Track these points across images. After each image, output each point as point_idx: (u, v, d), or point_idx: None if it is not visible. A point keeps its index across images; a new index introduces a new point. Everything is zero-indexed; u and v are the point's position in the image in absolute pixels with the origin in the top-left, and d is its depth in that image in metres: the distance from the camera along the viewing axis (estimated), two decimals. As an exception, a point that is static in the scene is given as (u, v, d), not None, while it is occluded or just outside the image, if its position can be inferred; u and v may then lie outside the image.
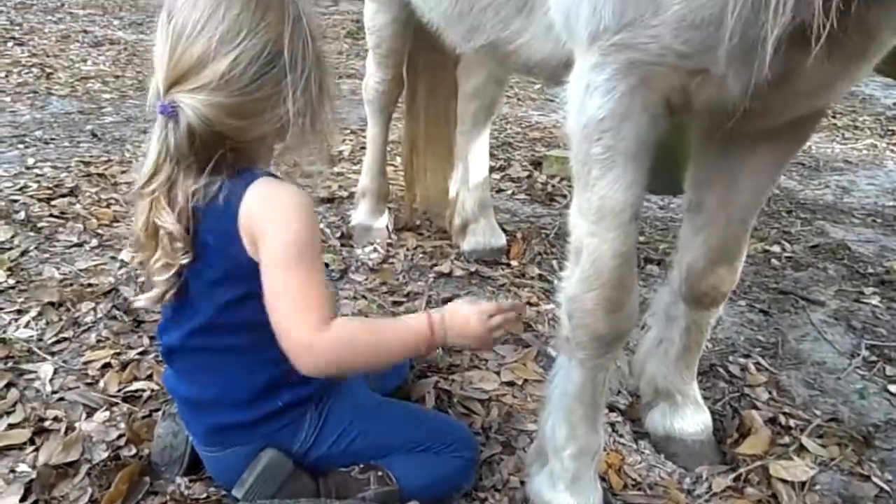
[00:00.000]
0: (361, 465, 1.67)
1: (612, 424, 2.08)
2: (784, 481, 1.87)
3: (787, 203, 3.94)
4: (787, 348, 2.51)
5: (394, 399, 1.92)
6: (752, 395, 2.24)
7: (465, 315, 1.57)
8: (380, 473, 1.66)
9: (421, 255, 3.10)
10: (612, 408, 2.15)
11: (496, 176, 4.18)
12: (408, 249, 3.14)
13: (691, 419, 2.01)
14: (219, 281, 1.55)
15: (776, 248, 3.29)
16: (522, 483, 1.83)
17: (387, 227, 3.24)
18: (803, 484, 1.87)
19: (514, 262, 3.02)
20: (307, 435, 1.68)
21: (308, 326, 1.46)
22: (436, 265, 3.00)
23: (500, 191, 3.98)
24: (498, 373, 2.28)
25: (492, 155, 4.35)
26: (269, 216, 1.48)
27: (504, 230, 3.24)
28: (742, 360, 2.41)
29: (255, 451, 1.65)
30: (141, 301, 1.65)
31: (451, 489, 1.73)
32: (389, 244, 3.17)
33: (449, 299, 2.70)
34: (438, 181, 3.21)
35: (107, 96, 5.95)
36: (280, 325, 1.48)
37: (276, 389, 1.63)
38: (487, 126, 3.05)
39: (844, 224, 3.67)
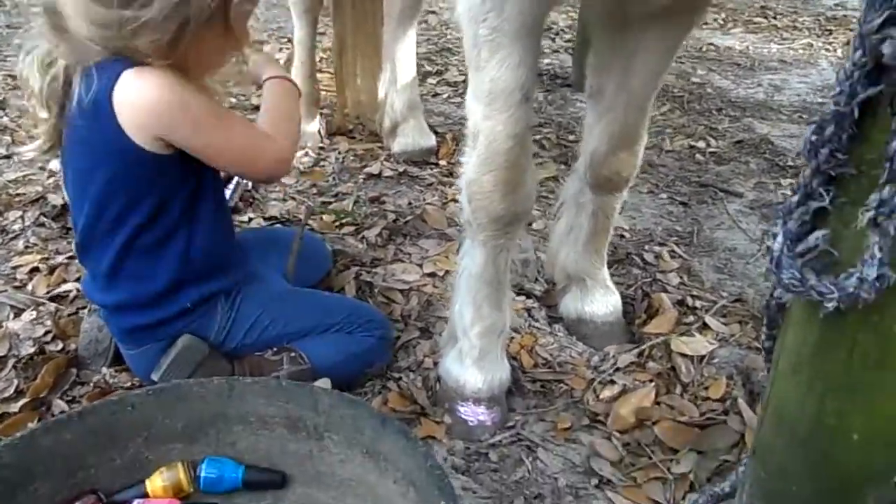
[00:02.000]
0: (275, 348, 1.75)
1: (529, 310, 2.19)
2: (684, 355, 1.99)
3: (718, 101, 4.01)
4: (701, 237, 2.61)
5: (307, 289, 1.99)
6: (663, 280, 2.34)
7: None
8: (292, 354, 1.75)
9: (352, 158, 3.13)
10: (528, 294, 2.26)
11: (433, 80, 4.19)
12: (339, 153, 3.18)
13: (601, 302, 2.10)
14: (99, 175, 1.60)
15: (701, 144, 3.38)
16: (436, 364, 1.93)
17: (319, 131, 3.26)
18: (702, 357, 1.99)
19: (442, 162, 3.08)
20: (220, 327, 1.75)
21: (274, 152, 1.67)
22: (366, 167, 3.04)
23: (436, 95, 4.00)
24: (420, 265, 2.36)
25: (430, 60, 4.37)
26: (154, 99, 1.50)
27: (436, 132, 3.28)
28: (657, 249, 2.51)
29: (169, 346, 1.73)
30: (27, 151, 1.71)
31: (363, 365, 1.82)
32: (321, 148, 3.20)
33: (376, 198, 2.76)
34: (368, 84, 3.22)
35: (35, 10, 5.75)
36: (244, 167, 1.70)
37: (182, 288, 1.69)
38: (413, 26, 3.04)
39: (771, 121, 3.76)
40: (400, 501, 1.39)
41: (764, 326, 1.37)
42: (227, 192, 2.03)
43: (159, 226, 1.61)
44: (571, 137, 3.35)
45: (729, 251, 2.53)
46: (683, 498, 1.62)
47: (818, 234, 1.03)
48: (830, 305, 1.02)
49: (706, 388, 1.90)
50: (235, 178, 2.00)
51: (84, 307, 2.12)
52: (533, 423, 1.82)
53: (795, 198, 1.07)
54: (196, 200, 1.65)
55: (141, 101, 1.49)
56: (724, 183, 3.00)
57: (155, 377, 1.67)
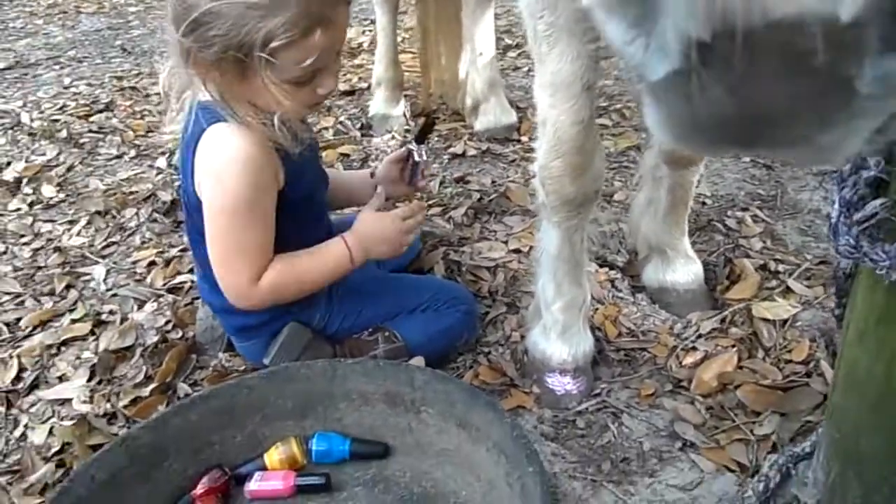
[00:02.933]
0: (370, 329, 1.89)
1: (612, 281, 2.26)
2: (766, 320, 2.03)
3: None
4: (785, 199, 2.61)
5: (396, 273, 2.13)
6: (746, 246, 2.36)
7: (379, 220, 1.76)
8: (386, 333, 1.89)
9: (437, 139, 3.24)
10: (611, 265, 2.32)
11: (513, 54, 4.25)
12: (424, 134, 3.29)
13: (683, 270, 2.15)
14: (195, 213, 1.75)
15: (786, 103, 3.32)
16: (523, 337, 2.03)
17: (404, 114, 3.38)
18: (784, 321, 2.03)
19: (524, 138, 3.15)
20: (321, 315, 1.90)
21: (236, 284, 1.70)
22: (450, 146, 3.14)
23: (516, 69, 4.05)
24: (505, 242, 2.46)
25: (510, 32, 4.41)
26: (207, 168, 1.62)
27: (517, 108, 3.36)
28: (740, 214, 2.52)
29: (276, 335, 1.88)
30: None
31: (452, 340, 1.94)
32: (407, 130, 3.31)
33: (461, 178, 2.87)
34: (451, 65, 3.30)
35: (133, 9, 6.08)
36: (215, 268, 1.71)
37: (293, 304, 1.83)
38: (491, 6, 3.10)
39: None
40: (493, 468, 1.52)
41: (834, 295, 1.42)
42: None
43: None
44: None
45: (813, 213, 2.52)
46: (766, 458, 1.67)
47: (875, 202, 1.08)
48: (883, 272, 1.07)
49: (789, 352, 1.94)
50: (416, 158, 2.07)
51: (198, 297, 2.31)
52: (618, 390, 1.90)
53: (848, 166, 1.13)
54: (285, 215, 1.73)
55: (202, 161, 1.63)
56: (809, 142, 2.96)
57: (266, 361, 1.83)
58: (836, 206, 1.15)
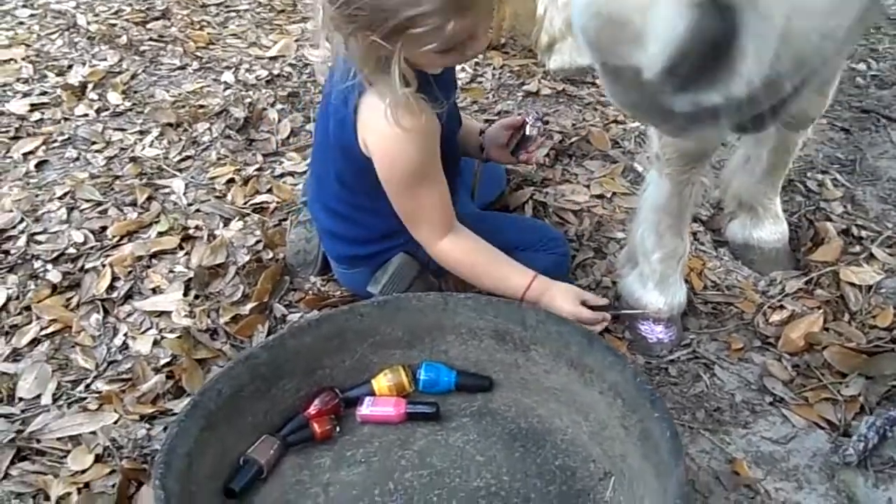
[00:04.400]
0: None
1: (695, 234, 2.29)
2: (852, 284, 2.07)
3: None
4: (864, 165, 2.63)
5: (493, 211, 2.16)
6: (827, 209, 2.39)
7: (573, 300, 1.74)
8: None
9: (508, 74, 3.22)
10: (694, 218, 2.33)
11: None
12: (494, 68, 3.27)
13: (770, 229, 2.18)
14: (338, 153, 1.79)
15: (862, 66, 3.31)
16: (613, 283, 2.08)
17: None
18: (870, 287, 2.07)
19: (600, 81, 3.13)
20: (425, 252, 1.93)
21: (424, 237, 1.77)
22: (523, 84, 3.13)
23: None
24: (588, 186, 2.48)
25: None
26: (375, 148, 1.67)
27: (589, 49, 3.32)
28: (820, 177, 2.54)
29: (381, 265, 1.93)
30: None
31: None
32: (476, 63, 3.29)
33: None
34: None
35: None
36: (407, 226, 1.77)
37: (395, 235, 1.86)
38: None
39: (935, 38, 3.64)
40: (605, 409, 1.57)
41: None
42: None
43: (383, 197, 1.76)
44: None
45: (893, 181, 2.54)
46: (854, 418, 1.74)
47: None
48: None
49: (874, 317, 1.99)
50: (528, 132, 2.05)
51: (284, 219, 2.35)
52: (706, 342, 1.95)
53: None
54: None
55: (372, 137, 1.66)
56: (886, 109, 2.96)
57: (373, 290, 1.87)
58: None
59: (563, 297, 1.75)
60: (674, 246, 1.90)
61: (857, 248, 2.23)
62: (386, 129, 1.59)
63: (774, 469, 1.63)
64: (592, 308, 1.76)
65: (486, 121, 2.83)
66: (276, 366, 1.64)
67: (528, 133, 2.03)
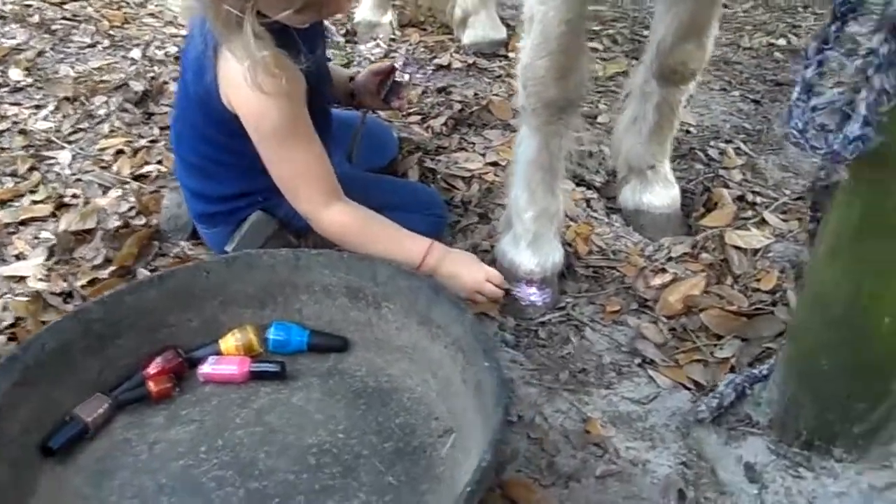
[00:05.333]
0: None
1: (587, 200, 2.25)
2: (737, 248, 2.03)
3: (806, -3, 3.88)
4: (770, 135, 2.60)
5: (370, 173, 2.10)
6: (726, 177, 2.36)
7: (473, 265, 1.69)
8: (355, 231, 1.86)
9: (422, 49, 3.18)
10: (588, 185, 2.32)
11: (508, -28, 4.15)
12: (410, 44, 3.23)
13: (660, 193, 2.15)
14: (196, 107, 1.73)
15: (781, 42, 3.29)
16: (493, 247, 2.02)
17: (390, 22, 3.30)
18: (756, 251, 2.03)
19: (512, 55, 3.09)
20: (288, 208, 1.85)
21: (306, 207, 1.69)
22: (435, 58, 3.09)
23: (510, -13, 3.96)
24: (483, 154, 2.44)
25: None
26: (238, 106, 1.62)
27: (508, 25, 3.29)
28: (723, 146, 2.51)
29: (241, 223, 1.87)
30: None
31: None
32: (392, 39, 3.25)
33: (444, 88, 2.82)
34: (442, -25, 3.23)
35: None
36: (286, 195, 1.70)
37: (255, 192, 1.81)
38: (486, -86, 3.03)
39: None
40: (449, 364, 1.52)
41: (808, 209, 1.42)
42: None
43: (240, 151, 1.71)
44: (645, 33, 3.30)
45: (797, 150, 2.50)
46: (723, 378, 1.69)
47: (835, 91, 1.07)
48: (820, 159, 1.08)
49: (757, 280, 1.95)
50: (398, 77, 2.04)
51: (164, 186, 2.28)
52: (583, 305, 1.91)
53: (814, 45, 1.11)
54: None
55: (234, 95, 1.61)
56: (800, 81, 2.94)
57: (228, 249, 1.81)
58: (797, 88, 1.14)
59: (468, 269, 1.70)
60: (546, 203, 1.86)
61: (750, 214, 2.19)
62: (247, 90, 1.54)
63: (629, 428, 1.58)
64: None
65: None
66: (112, 322, 1.58)
67: (398, 79, 1.98)
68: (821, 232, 1.36)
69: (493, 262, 1.97)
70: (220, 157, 1.79)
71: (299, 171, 1.67)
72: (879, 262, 1.25)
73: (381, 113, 2.49)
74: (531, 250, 1.87)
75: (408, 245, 1.70)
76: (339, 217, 1.69)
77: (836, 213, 1.30)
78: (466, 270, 1.67)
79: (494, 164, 2.39)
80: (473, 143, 2.49)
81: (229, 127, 1.67)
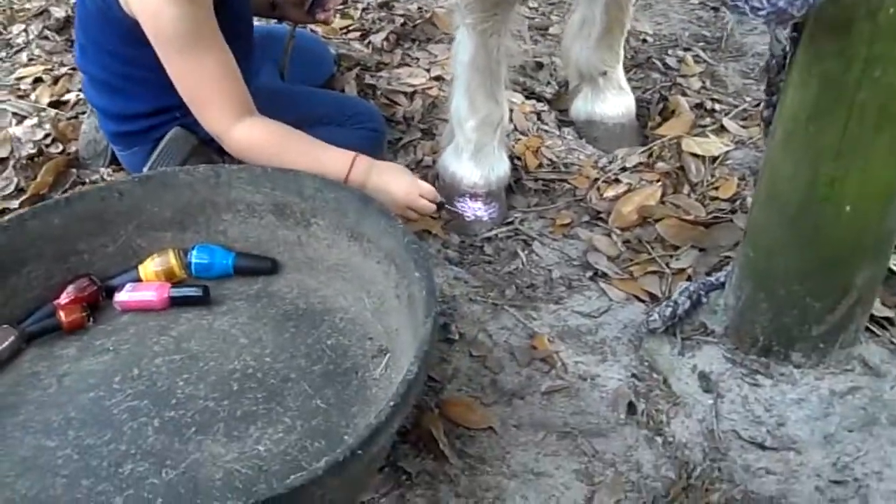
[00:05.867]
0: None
1: (538, 113, 2.15)
2: (695, 155, 1.94)
3: None
4: (731, 42, 2.50)
5: (302, 86, 1.97)
6: (684, 85, 2.27)
7: (402, 175, 1.56)
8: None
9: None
10: (539, 97, 2.22)
11: None
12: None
13: (613, 102, 2.05)
14: (98, 18, 1.60)
15: (743, -52, 3.17)
16: (435, 162, 1.92)
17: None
18: (714, 158, 1.94)
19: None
20: None
21: (213, 123, 1.54)
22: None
23: None
24: (428, 69, 2.32)
25: None
26: (136, 9, 1.48)
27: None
28: (681, 53, 2.41)
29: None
30: None
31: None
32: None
33: (385, 3, 2.67)
34: None
35: None
36: (196, 115, 1.56)
37: (177, 108, 1.66)
38: None
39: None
40: (382, 280, 1.42)
41: (763, 93, 1.32)
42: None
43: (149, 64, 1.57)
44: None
45: (759, 56, 2.41)
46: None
47: None
48: (762, 19, 0.97)
49: (716, 188, 1.87)
50: None
51: (84, 112, 2.13)
52: (532, 220, 1.82)
53: None
54: None
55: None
56: (761, -13, 2.83)
57: (144, 168, 1.68)
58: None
59: (398, 183, 1.57)
60: (488, 111, 1.75)
61: (708, 121, 2.10)
62: None
63: (579, 342, 1.50)
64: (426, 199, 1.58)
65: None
66: (15, 250, 1.45)
67: None
68: (776, 118, 1.26)
69: (435, 178, 1.88)
70: (129, 71, 1.65)
71: (204, 84, 1.52)
72: (838, 144, 1.15)
73: (318, 28, 2.35)
74: (474, 162, 1.77)
75: (328, 160, 1.56)
76: (248, 133, 1.55)
77: (791, 94, 1.20)
78: (396, 184, 1.55)
79: (439, 78, 2.27)
80: (417, 59, 2.37)
81: (132, 36, 1.53)
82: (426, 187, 1.56)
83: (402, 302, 1.35)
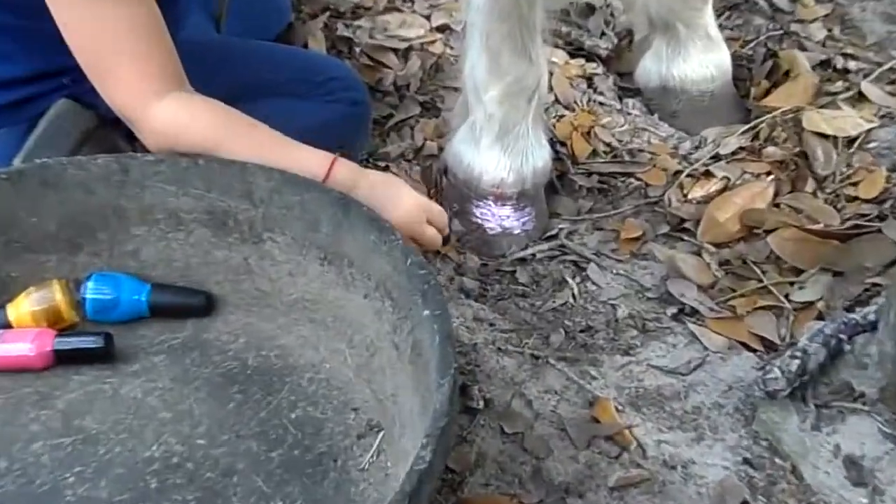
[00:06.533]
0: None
1: (589, 78, 2.19)
2: (822, 136, 1.95)
3: None
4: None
5: (241, 39, 1.98)
6: (801, 33, 2.29)
7: (399, 197, 1.53)
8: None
9: None
10: (589, 55, 2.25)
11: None
12: None
13: (698, 60, 2.07)
14: None
15: None
16: (442, 149, 1.95)
17: None
18: (852, 140, 1.96)
19: None
20: None
21: (120, 95, 1.51)
22: None
23: None
24: (428, 16, 2.36)
25: None
26: None
27: None
28: (796, -12, 2.44)
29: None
30: None
31: (330, 145, 1.78)
32: None
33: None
34: None
35: None
36: (98, 87, 1.53)
37: (67, 72, 1.66)
38: None
39: None
40: (372, 321, 1.42)
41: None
42: None
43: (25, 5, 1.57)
44: None
45: (907, -11, 2.44)
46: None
47: None
48: None
49: (854, 185, 1.89)
50: None
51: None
52: (585, 232, 1.86)
53: None
54: None
55: None
56: None
57: (16, 161, 1.67)
58: None
59: (395, 202, 1.52)
60: (517, 73, 1.76)
61: (839, 86, 2.13)
62: None
63: (661, 413, 1.52)
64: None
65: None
66: None
67: None
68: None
69: (442, 173, 1.91)
70: (3, 19, 1.64)
71: (112, 39, 1.49)
72: None
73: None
74: (499, 148, 1.79)
75: (292, 162, 1.53)
76: (174, 116, 1.51)
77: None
78: (392, 204, 1.51)
79: (444, 28, 2.32)
80: (412, 2, 2.41)
81: None
82: (436, 210, 1.54)
83: (402, 354, 1.35)
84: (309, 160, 1.53)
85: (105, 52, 1.49)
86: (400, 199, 1.54)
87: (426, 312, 1.25)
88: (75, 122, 1.69)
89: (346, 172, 1.52)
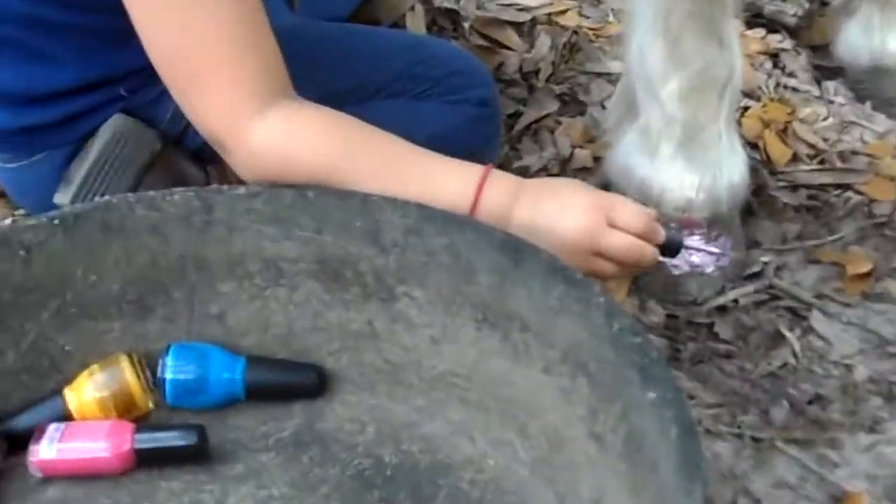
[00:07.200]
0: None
1: (774, 55, 2.23)
2: None
3: None
4: None
5: (326, 22, 2.05)
6: None
7: (576, 210, 1.52)
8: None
9: None
10: (772, 25, 2.31)
11: None
12: None
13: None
14: None
15: None
16: (596, 160, 2.00)
17: None
18: None
19: None
20: (176, 113, 1.75)
21: (215, 110, 1.55)
22: None
23: None
24: (557, -25, 2.39)
25: None
26: None
27: None
28: None
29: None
30: None
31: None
32: None
33: None
34: None
35: None
36: (183, 103, 1.59)
37: (122, 80, 1.74)
38: None
39: None
40: (560, 405, 1.44)
41: None
42: None
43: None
44: None
45: None
46: None
47: None
48: None
49: None
50: None
51: None
52: (796, 266, 1.89)
53: None
54: None
55: None
56: None
57: (61, 199, 1.73)
58: None
59: (575, 211, 1.52)
60: (705, 60, 1.80)
61: None
62: None
63: None
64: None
65: None
66: None
67: None
68: None
69: (605, 188, 1.92)
70: (42, 13, 1.70)
71: (212, 40, 1.55)
72: None
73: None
74: (684, 160, 1.82)
75: (434, 181, 1.57)
76: (282, 133, 1.55)
77: None
78: (573, 214, 1.53)
79: None
80: None
81: None
82: (630, 210, 1.52)
83: (606, 445, 1.37)
84: (452, 174, 1.57)
85: (202, 57, 1.55)
86: (577, 207, 1.53)
87: (651, 395, 1.29)
88: (138, 144, 1.75)
89: (501, 184, 1.55)
